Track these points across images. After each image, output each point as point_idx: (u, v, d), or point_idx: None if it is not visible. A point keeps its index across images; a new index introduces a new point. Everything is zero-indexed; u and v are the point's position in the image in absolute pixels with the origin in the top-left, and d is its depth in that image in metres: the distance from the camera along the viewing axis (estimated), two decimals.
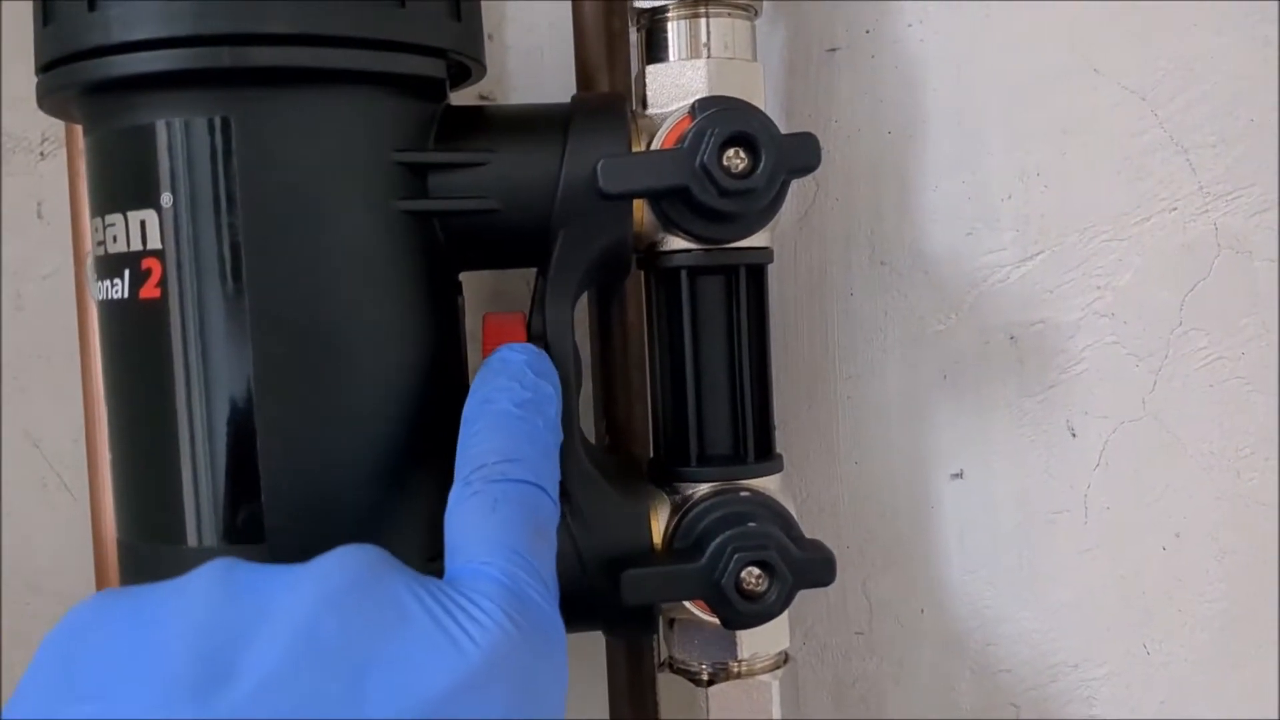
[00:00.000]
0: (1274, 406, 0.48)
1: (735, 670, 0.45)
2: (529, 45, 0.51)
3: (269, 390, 0.37)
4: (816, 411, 0.53)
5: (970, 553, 0.52)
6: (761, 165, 0.40)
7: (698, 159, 0.40)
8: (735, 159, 0.40)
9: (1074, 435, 0.50)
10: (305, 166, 0.37)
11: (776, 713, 0.45)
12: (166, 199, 0.37)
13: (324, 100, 0.37)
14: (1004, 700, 0.52)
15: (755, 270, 0.44)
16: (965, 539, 0.52)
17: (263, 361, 0.37)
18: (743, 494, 0.43)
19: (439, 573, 0.39)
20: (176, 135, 0.37)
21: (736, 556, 0.40)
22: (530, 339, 0.43)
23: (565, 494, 0.42)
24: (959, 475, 0.52)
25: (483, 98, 0.52)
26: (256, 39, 0.35)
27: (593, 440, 0.53)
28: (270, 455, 0.37)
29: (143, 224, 0.37)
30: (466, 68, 0.42)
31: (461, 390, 0.42)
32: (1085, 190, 0.50)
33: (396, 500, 0.39)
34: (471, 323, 0.44)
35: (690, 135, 0.40)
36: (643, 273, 0.45)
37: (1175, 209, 0.49)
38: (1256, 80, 0.49)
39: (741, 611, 0.40)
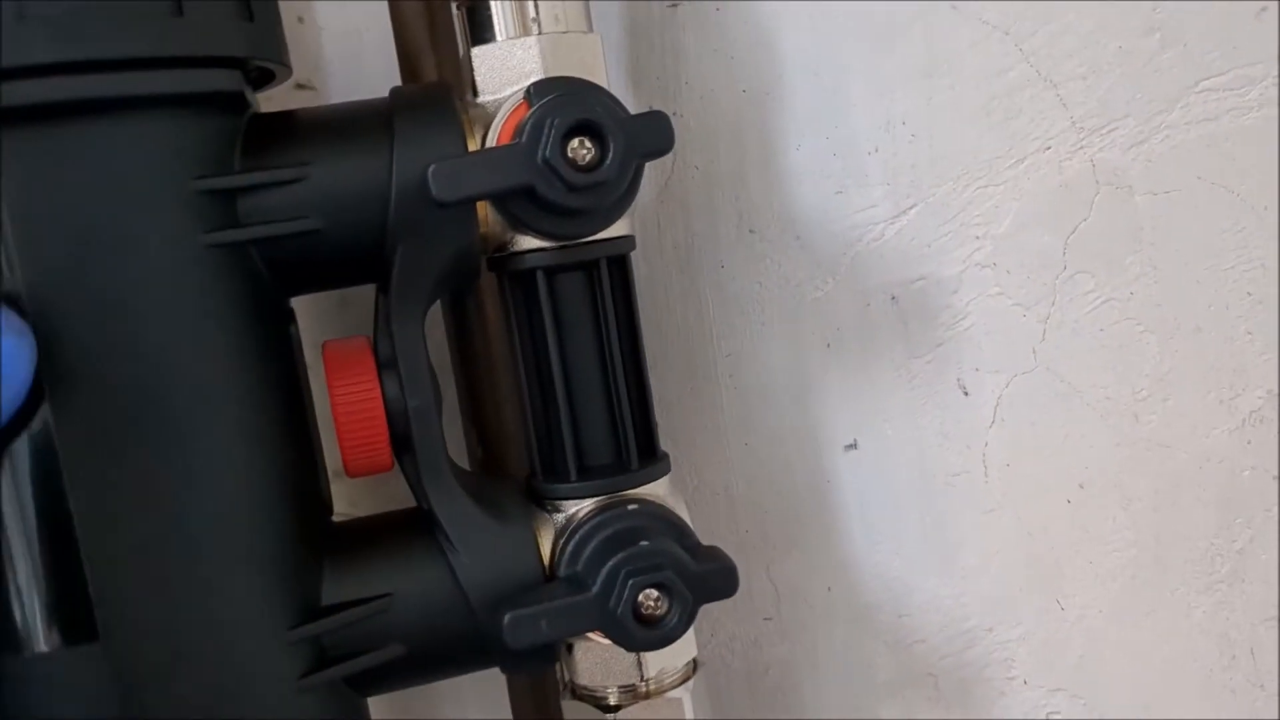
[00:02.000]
0: (1166, 345, 0.46)
1: (643, 690, 0.42)
2: (345, 27, 0.46)
3: (79, 471, 0.32)
4: (699, 394, 0.50)
5: (872, 525, 0.50)
6: (610, 154, 0.36)
7: (539, 154, 0.36)
8: (581, 149, 0.36)
9: (966, 393, 0.48)
10: (90, 208, 0.32)
11: None
12: None
13: (102, 132, 0.32)
14: (921, 671, 0.50)
15: (617, 261, 0.40)
16: (866, 511, 0.50)
17: (67, 439, 0.32)
18: (630, 507, 0.40)
19: (311, 644, 0.36)
20: None
21: (631, 582, 0.37)
22: (379, 365, 0.39)
23: (439, 526, 0.38)
24: (853, 446, 0.49)
25: (300, 86, 0.46)
26: (8, 74, 0.30)
27: (466, 457, 0.49)
28: (91, 544, 0.32)
29: None
30: (270, 71, 0.37)
31: (306, 433, 0.38)
32: (954, 136, 0.47)
33: (246, 568, 0.35)
34: (312, 354, 0.40)
35: (528, 127, 0.36)
36: (495, 275, 0.42)
37: (1049, 148, 0.46)
38: (1122, 3, 0.47)
39: (642, 639, 0.37)
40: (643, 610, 0.37)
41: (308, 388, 0.39)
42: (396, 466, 0.40)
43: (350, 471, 0.39)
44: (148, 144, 0.33)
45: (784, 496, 0.50)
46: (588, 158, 0.36)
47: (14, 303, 0.32)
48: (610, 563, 0.37)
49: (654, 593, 0.37)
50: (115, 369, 0.33)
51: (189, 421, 0.34)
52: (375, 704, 0.40)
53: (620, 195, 0.38)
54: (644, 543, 0.38)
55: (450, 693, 0.53)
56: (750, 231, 0.49)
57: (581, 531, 0.39)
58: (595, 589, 0.37)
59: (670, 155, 0.49)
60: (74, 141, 0.32)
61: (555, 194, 0.36)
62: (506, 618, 0.37)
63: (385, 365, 0.39)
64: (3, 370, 0.30)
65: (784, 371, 0.49)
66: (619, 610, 0.37)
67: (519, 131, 0.36)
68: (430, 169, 0.35)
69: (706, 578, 0.38)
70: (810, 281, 0.48)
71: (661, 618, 0.38)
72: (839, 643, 0.51)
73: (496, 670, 0.40)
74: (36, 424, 0.32)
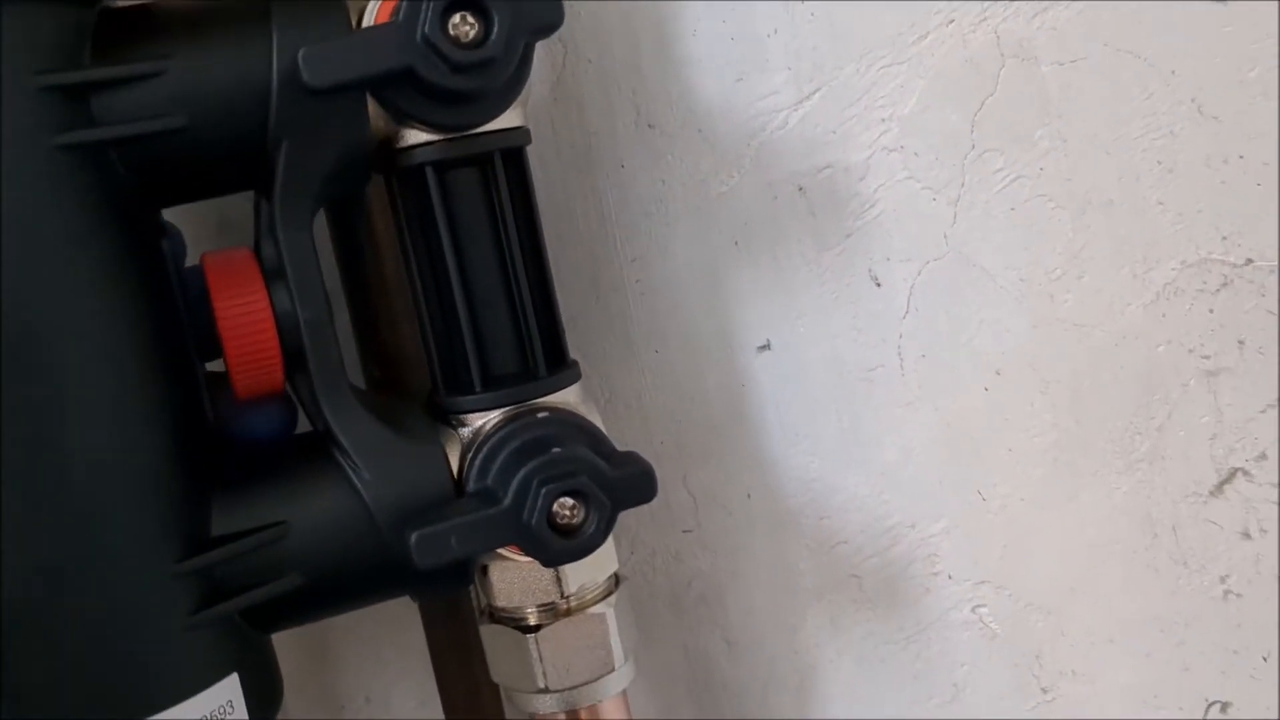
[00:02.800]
0: (1079, 221, 0.45)
1: (564, 608, 0.40)
2: None
3: None
4: (605, 303, 0.48)
5: (789, 426, 0.48)
6: (495, 30, 0.33)
7: (418, 32, 0.33)
8: (463, 26, 0.33)
9: (878, 284, 0.47)
10: None
11: (616, 644, 0.40)
12: None
13: None
14: (845, 573, 0.49)
15: (512, 154, 0.38)
16: (782, 413, 0.48)
17: None
18: (540, 415, 0.37)
19: (202, 577, 0.33)
20: None
21: (544, 491, 0.35)
22: (265, 274, 0.36)
23: (340, 448, 0.36)
24: (766, 347, 0.48)
25: None
26: None
27: (363, 382, 0.47)
28: None
29: None
30: None
31: (185, 355, 0.35)
32: (855, 12, 0.45)
33: (122, 499, 0.32)
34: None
35: (405, 4, 0.33)
36: (383, 178, 0.39)
37: (953, 21, 0.44)
38: None
39: (559, 550, 0.35)
40: (558, 520, 0.35)
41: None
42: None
43: (239, 392, 0.36)
44: None
45: (698, 403, 0.48)
46: (471, 34, 0.33)
47: None
48: (521, 472, 0.35)
49: (569, 500, 0.35)
50: None
51: (52, 342, 0.31)
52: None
53: (509, 77, 0.35)
54: (556, 450, 0.36)
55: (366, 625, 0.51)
56: (649, 126, 0.46)
57: (490, 444, 0.37)
58: (507, 501, 0.35)
59: (560, 48, 0.46)
60: None
61: (438, 75, 0.33)
62: (413, 536, 0.34)
63: (272, 276, 0.36)
64: None
65: (692, 273, 0.47)
66: (533, 521, 0.35)
67: (396, 10, 0.34)
68: (300, 53, 0.32)
69: (624, 482, 0.36)
70: (715, 176, 0.46)
71: (579, 526, 0.36)
72: (761, 550, 0.50)
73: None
74: None
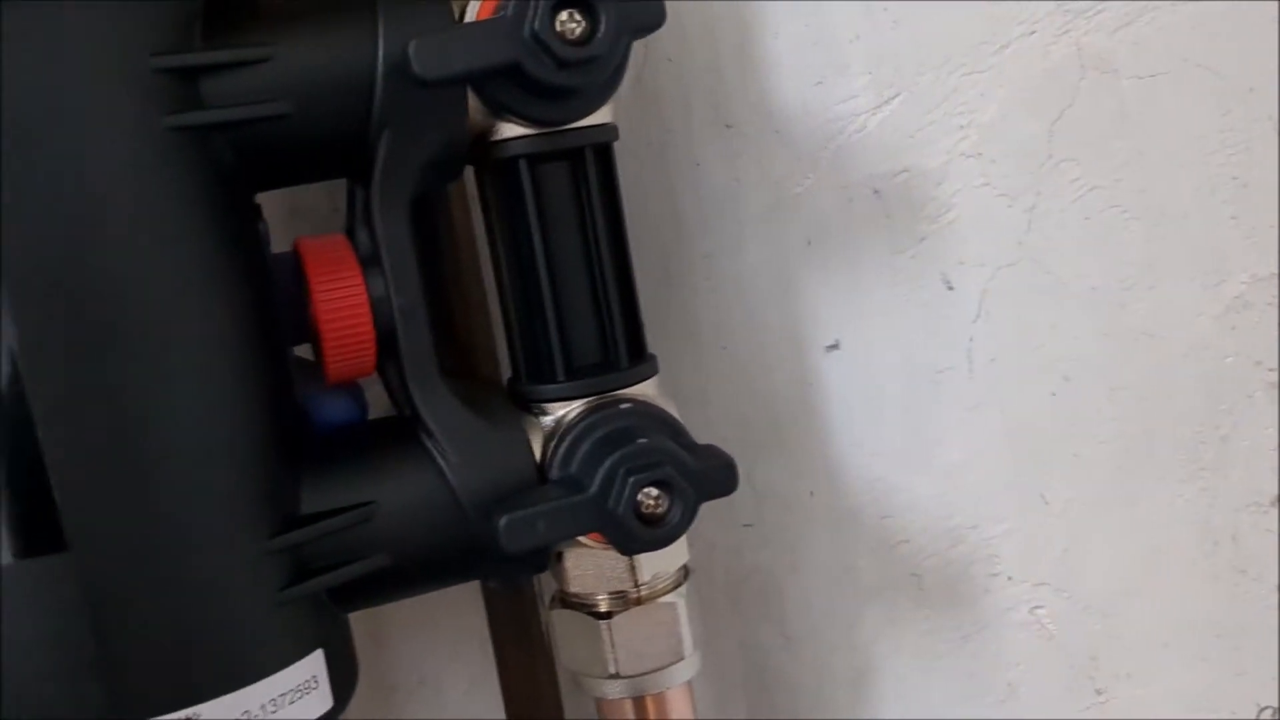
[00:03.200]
0: (1152, 232, 0.46)
1: (635, 596, 0.41)
2: None
3: (41, 370, 0.30)
4: (674, 298, 0.48)
5: (855, 426, 0.49)
6: (602, 28, 0.34)
7: (526, 28, 0.34)
8: (570, 23, 0.34)
9: (950, 288, 0.47)
10: (44, 89, 0.30)
11: (685, 633, 0.41)
12: None
13: (52, 8, 0.30)
14: (905, 572, 0.50)
15: (602, 150, 0.39)
16: (848, 412, 0.49)
17: (27, 330, 0.30)
18: (623, 406, 0.38)
19: (291, 554, 0.34)
20: None
21: (631, 480, 0.35)
22: (361, 261, 0.37)
23: (427, 432, 0.37)
24: (835, 346, 0.48)
25: None
26: None
27: None
28: (57, 448, 0.30)
29: None
30: None
31: (277, 336, 0.36)
32: (937, 21, 0.45)
33: (217, 476, 0.33)
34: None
35: (513, 1, 0.34)
36: (475, 170, 0.39)
37: (1034, 32, 0.45)
38: None
39: (644, 539, 0.36)
40: (643, 509, 0.36)
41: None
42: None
43: (331, 376, 0.37)
44: (101, 20, 0.31)
45: (764, 400, 0.49)
46: (577, 31, 0.34)
47: None
48: (608, 461, 0.36)
49: (654, 491, 0.36)
50: (74, 262, 0.30)
51: (153, 317, 0.31)
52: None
53: (609, 75, 0.36)
54: (642, 440, 0.37)
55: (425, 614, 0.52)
56: (727, 126, 0.47)
57: (574, 433, 0.38)
58: (593, 489, 0.36)
59: (641, 47, 0.47)
60: (25, 19, 0.29)
61: (543, 71, 0.34)
62: (503, 520, 0.35)
63: (368, 262, 0.37)
64: None
65: (763, 271, 0.48)
66: (619, 509, 0.35)
67: (501, 6, 0.34)
68: (411, 44, 0.33)
69: (707, 474, 0.37)
70: (790, 177, 0.47)
71: (662, 516, 0.36)
72: (821, 547, 0.50)
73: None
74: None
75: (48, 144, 0.30)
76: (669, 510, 0.36)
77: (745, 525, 0.50)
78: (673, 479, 0.36)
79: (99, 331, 0.31)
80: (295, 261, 0.37)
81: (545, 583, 0.50)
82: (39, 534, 0.30)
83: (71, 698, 0.31)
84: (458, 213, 0.47)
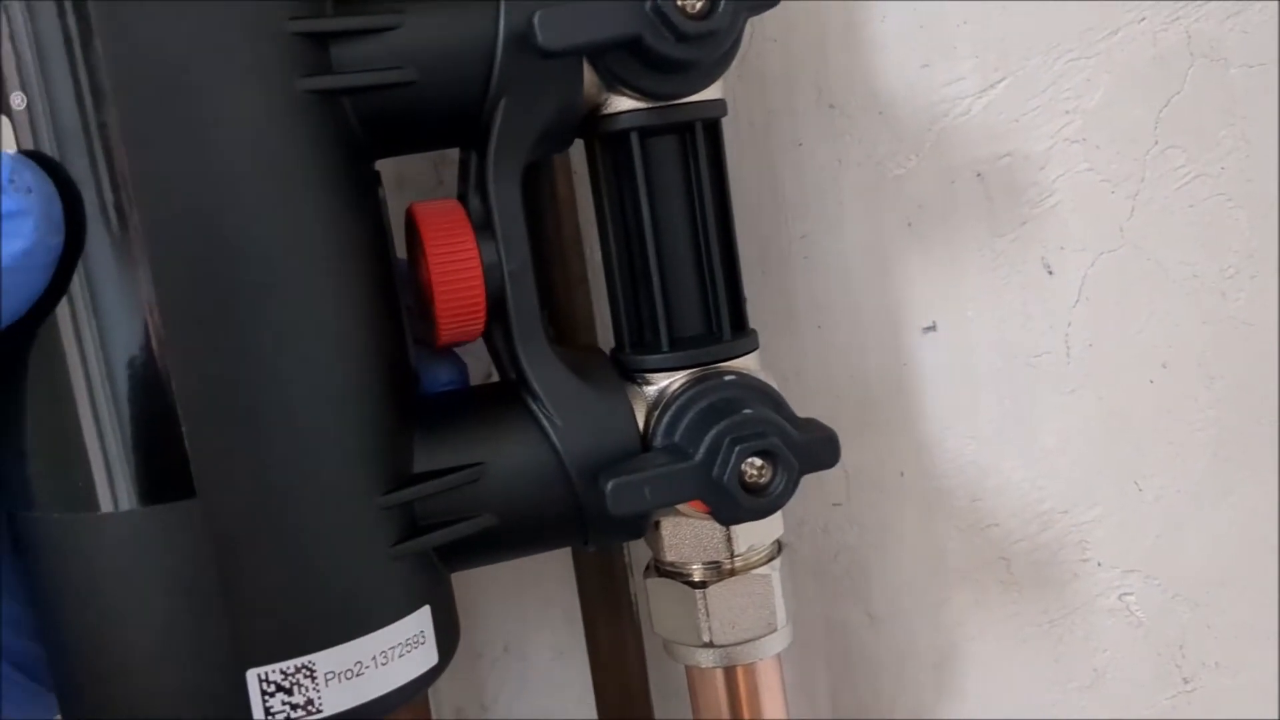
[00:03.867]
0: (1256, 221, 0.45)
1: (729, 567, 0.41)
2: None
3: (176, 317, 0.31)
4: (771, 276, 0.49)
5: (949, 408, 0.49)
6: (722, 3, 0.35)
7: (649, 1, 0.34)
8: None
9: (1050, 272, 0.47)
10: (187, 45, 0.31)
11: (779, 605, 0.42)
12: (19, 99, 0.30)
13: None
14: (994, 555, 0.50)
15: (711, 126, 0.39)
16: (943, 394, 0.49)
17: (164, 283, 0.31)
18: (727, 377, 0.39)
19: (404, 511, 0.35)
20: (18, 20, 0.30)
21: (737, 449, 0.36)
22: (473, 227, 0.38)
23: (534, 396, 0.38)
24: (932, 328, 0.48)
25: None
26: None
27: None
28: (189, 397, 0.31)
29: None
30: None
31: (394, 297, 0.37)
32: (1046, 6, 0.45)
33: (339, 430, 0.34)
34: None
35: None
36: (584, 141, 0.40)
37: (1144, 19, 0.45)
38: None
39: (747, 507, 0.36)
40: (746, 478, 0.37)
41: (393, 253, 0.38)
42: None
43: (441, 339, 0.38)
44: None
45: (857, 380, 0.49)
46: (698, 6, 0.35)
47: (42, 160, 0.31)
48: (714, 430, 0.37)
49: (758, 461, 0.37)
50: (211, 218, 0.31)
51: (284, 274, 0.33)
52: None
53: (725, 51, 0.36)
54: (747, 411, 0.37)
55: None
56: (830, 106, 0.47)
57: (679, 402, 0.38)
58: (698, 457, 0.36)
59: (748, 28, 0.47)
60: None
61: (664, 44, 0.35)
62: (610, 484, 0.36)
63: (480, 228, 0.38)
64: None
65: (861, 252, 0.48)
66: (724, 477, 0.36)
67: None
68: (536, 15, 0.34)
69: (810, 446, 0.37)
70: (892, 158, 0.47)
71: (765, 486, 0.37)
72: (910, 528, 0.51)
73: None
74: (132, 270, 0.31)
75: (187, 101, 0.31)
76: (772, 480, 0.37)
77: (835, 504, 0.51)
78: (778, 449, 0.36)
79: (232, 286, 0.32)
80: (409, 226, 0.38)
81: (636, 554, 0.51)
82: (169, 481, 0.32)
83: (195, 641, 0.32)
84: (562, 186, 0.48)
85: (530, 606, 0.54)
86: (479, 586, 0.54)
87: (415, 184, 0.47)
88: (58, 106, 0.30)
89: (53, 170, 0.31)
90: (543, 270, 0.48)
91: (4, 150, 0.31)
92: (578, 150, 0.48)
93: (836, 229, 0.48)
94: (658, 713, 0.51)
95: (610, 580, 0.50)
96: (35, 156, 0.31)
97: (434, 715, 0.51)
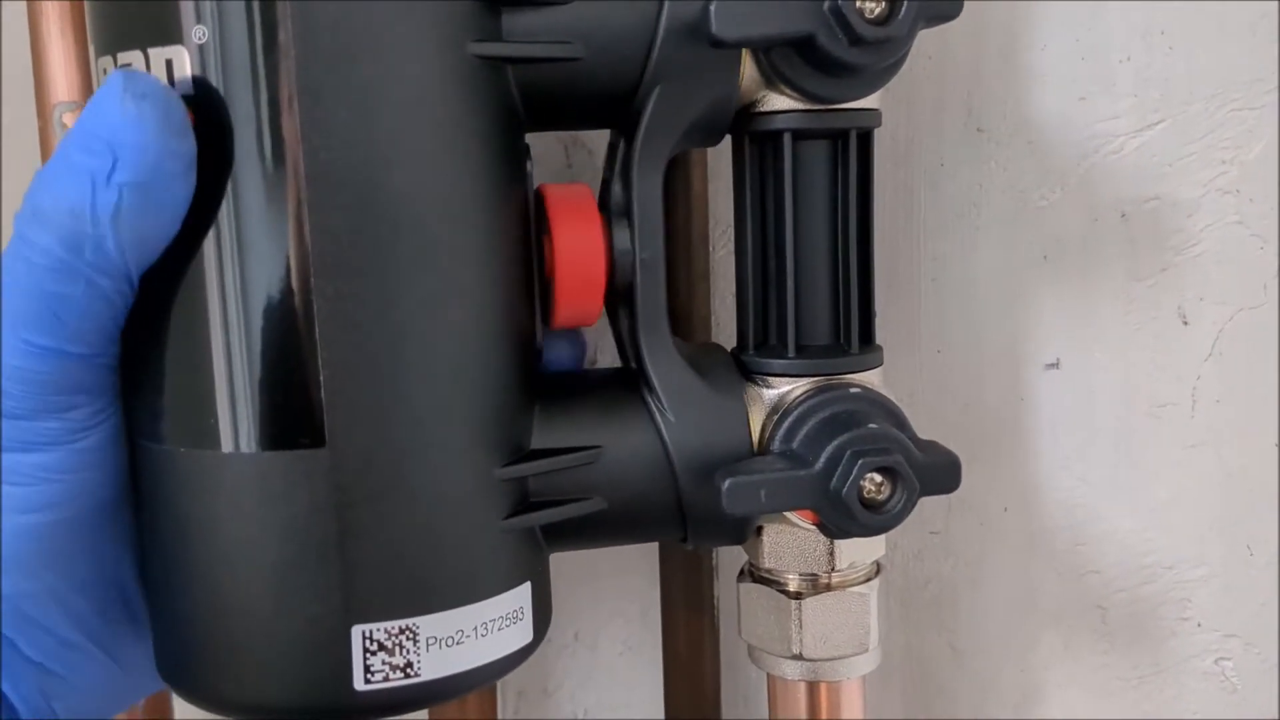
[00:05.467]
0: None
1: (827, 581, 0.41)
2: None
3: (328, 267, 0.31)
4: (897, 294, 0.48)
5: (1063, 448, 0.48)
6: (902, 11, 0.34)
7: (828, 1, 0.34)
8: (870, 2, 0.34)
9: (1185, 323, 0.46)
10: (363, 4, 0.31)
11: (873, 626, 0.41)
12: (200, 33, 0.31)
13: None
14: (1090, 603, 0.49)
15: (865, 136, 0.39)
16: (1058, 433, 0.48)
17: (320, 232, 0.31)
18: (852, 390, 0.38)
19: (518, 485, 0.35)
20: None
21: (860, 463, 0.35)
22: (609, 213, 0.38)
23: (650, 387, 0.37)
24: (1054, 365, 0.47)
25: None
26: None
27: None
28: (332, 346, 0.31)
29: (169, 64, 0.31)
30: None
31: (532, 272, 0.37)
32: (1215, 53, 0.44)
33: (468, 397, 0.34)
34: None
35: None
36: (732, 136, 0.40)
37: None
38: None
39: (862, 522, 0.36)
40: (864, 494, 0.36)
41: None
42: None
43: (558, 321, 0.38)
44: None
45: (972, 410, 0.49)
46: (877, 10, 0.34)
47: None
48: (836, 441, 0.36)
49: (878, 477, 0.36)
50: (372, 172, 0.31)
51: (436, 236, 0.33)
52: None
53: (896, 59, 0.36)
54: (871, 425, 0.37)
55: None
56: (979, 130, 0.46)
57: (799, 410, 0.38)
58: (818, 466, 0.36)
59: None
60: None
61: (835, 46, 0.34)
62: (726, 482, 0.35)
63: (618, 214, 0.37)
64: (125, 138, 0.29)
65: (992, 280, 0.47)
66: (843, 490, 0.35)
67: None
68: (713, 5, 0.34)
69: (932, 469, 0.37)
70: (1036, 189, 0.46)
71: (883, 503, 0.36)
72: (1006, 565, 0.50)
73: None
74: (288, 216, 0.31)
75: (362, 54, 0.31)
76: (890, 499, 0.36)
77: (932, 532, 0.50)
78: (900, 467, 0.36)
79: (386, 240, 0.32)
80: (537, 206, 0.38)
81: (723, 557, 0.50)
82: (300, 428, 0.32)
83: (308, 590, 0.32)
84: (697, 181, 0.47)
85: (606, 598, 0.54)
86: (556, 570, 0.54)
87: (545, 164, 0.47)
88: (235, 47, 0.31)
89: (207, 97, 0.31)
90: (666, 263, 0.48)
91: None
92: (715, 147, 0.48)
93: (970, 254, 0.47)
94: (725, 718, 0.51)
95: (696, 580, 0.50)
96: (198, 84, 0.31)
97: (498, 692, 0.51)
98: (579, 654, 0.54)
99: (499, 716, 0.51)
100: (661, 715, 0.51)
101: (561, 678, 0.54)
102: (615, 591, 0.54)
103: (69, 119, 0.43)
